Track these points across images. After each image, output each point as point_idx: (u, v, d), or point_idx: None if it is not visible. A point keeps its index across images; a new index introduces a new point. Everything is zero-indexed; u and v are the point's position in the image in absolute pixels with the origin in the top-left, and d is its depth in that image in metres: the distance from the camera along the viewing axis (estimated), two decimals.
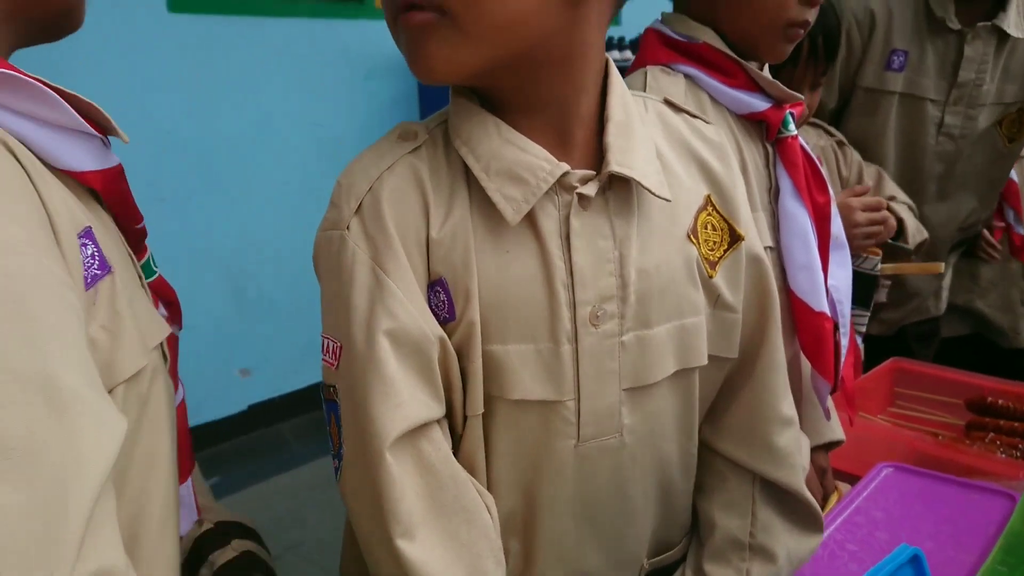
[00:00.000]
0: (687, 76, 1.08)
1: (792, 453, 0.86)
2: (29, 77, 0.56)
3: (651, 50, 1.11)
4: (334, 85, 3.49)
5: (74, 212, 0.58)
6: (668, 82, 1.06)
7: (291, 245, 3.38)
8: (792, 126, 1.10)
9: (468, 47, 0.66)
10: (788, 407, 0.87)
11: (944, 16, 1.60)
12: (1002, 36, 1.60)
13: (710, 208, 0.81)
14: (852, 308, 1.28)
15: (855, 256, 1.35)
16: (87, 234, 0.58)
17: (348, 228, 0.71)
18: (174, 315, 0.79)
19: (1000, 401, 1.45)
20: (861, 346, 1.50)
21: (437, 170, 0.74)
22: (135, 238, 0.71)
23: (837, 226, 1.16)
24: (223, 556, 0.80)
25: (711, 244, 0.81)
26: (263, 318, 3.37)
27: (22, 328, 0.46)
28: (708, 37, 1.08)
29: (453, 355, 0.72)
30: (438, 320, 0.72)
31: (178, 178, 3.09)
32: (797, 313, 1.10)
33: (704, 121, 0.87)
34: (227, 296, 3.31)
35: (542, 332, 0.72)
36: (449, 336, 0.72)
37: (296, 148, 3.43)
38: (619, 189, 0.75)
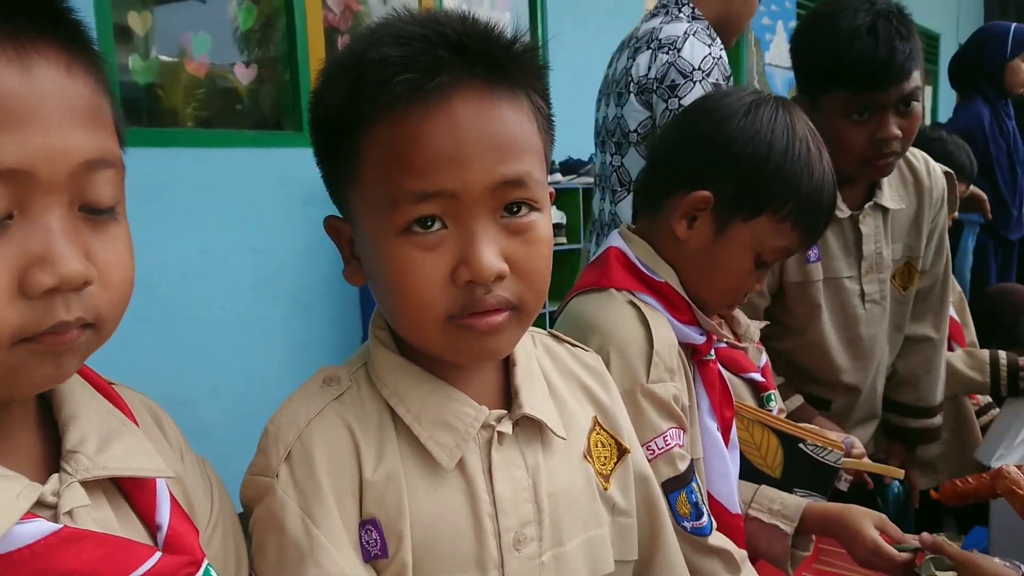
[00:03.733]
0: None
1: None
2: None
3: (617, 273, 1.19)
4: (273, 212, 3.53)
5: None
6: (661, 321, 1.16)
7: (229, 372, 3.35)
8: (712, 352, 1.25)
9: (521, 333, 0.80)
10: None
11: (837, 208, 1.72)
12: (884, 210, 1.80)
13: (598, 428, 0.91)
14: (812, 495, 1.43)
15: (820, 448, 1.43)
16: None
17: (277, 476, 0.75)
18: None
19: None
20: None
21: (363, 415, 0.79)
22: None
23: (735, 431, 1.29)
24: None
25: (603, 460, 0.90)
26: (197, 449, 3.28)
27: None
28: (670, 279, 1.19)
29: None
30: (370, 557, 0.76)
31: None
32: (716, 514, 1.20)
33: (583, 349, 0.98)
34: None
35: (470, 563, 0.77)
36: (380, 573, 0.76)
37: (236, 275, 3.43)
38: (525, 424, 0.83)
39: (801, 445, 1.44)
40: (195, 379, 3.31)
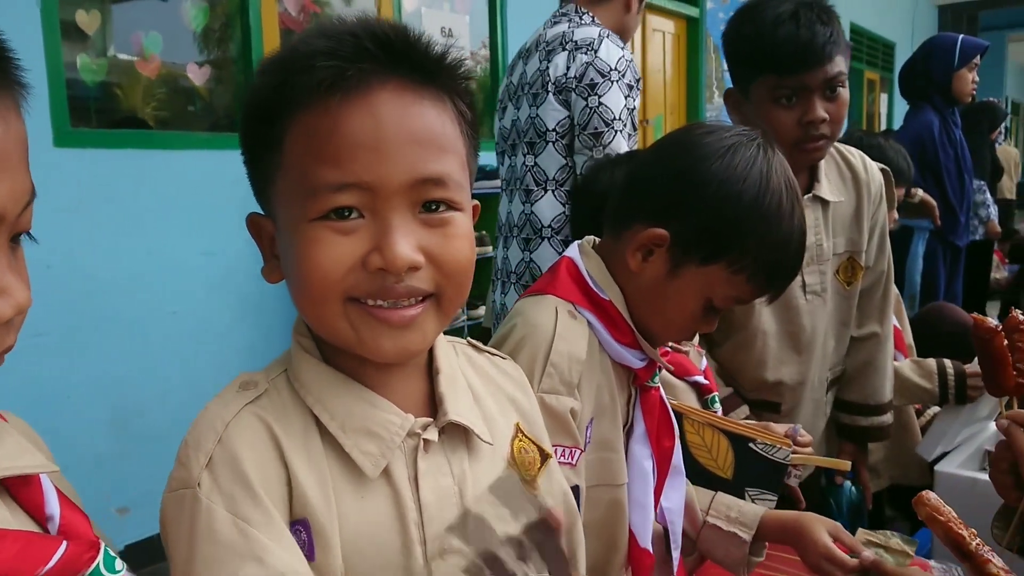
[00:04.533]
0: (587, 320, 1.17)
1: None
2: None
3: (563, 283, 1.19)
4: (226, 215, 3.48)
5: None
6: (576, 333, 1.15)
7: (179, 378, 3.30)
8: (657, 379, 1.24)
9: (441, 324, 0.80)
10: None
11: None
12: (823, 202, 1.84)
13: (520, 435, 0.91)
14: (763, 493, 1.46)
15: (769, 446, 1.46)
16: None
17: (199, 485, 0.72)
18: None
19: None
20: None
21: (284, 418, 0.77)
22: None
23: (677, 458, 1.28)
24: None
25: (527, 464, 0.90)
26: (145, 454, 3.24)
27: None
28: (616, 299, 1.18)
29: None
30: None
31: (60, 313, 2.97)
32: (630, 543, 1.21)
33: (502, 358, 0.99)
34: (109, 432, 3.17)
35: (398, 571, 0.76)
36: None
37: (188, 279, 3.38)
38: (451, 431, 0.82)
39: (751, 444, 1.46)
40: (144, 386, 3.26)
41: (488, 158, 4.50)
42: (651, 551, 1.22)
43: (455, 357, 0.90)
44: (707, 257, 1.12)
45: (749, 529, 1.33)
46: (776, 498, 1.53)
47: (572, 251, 1.23)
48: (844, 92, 1.70)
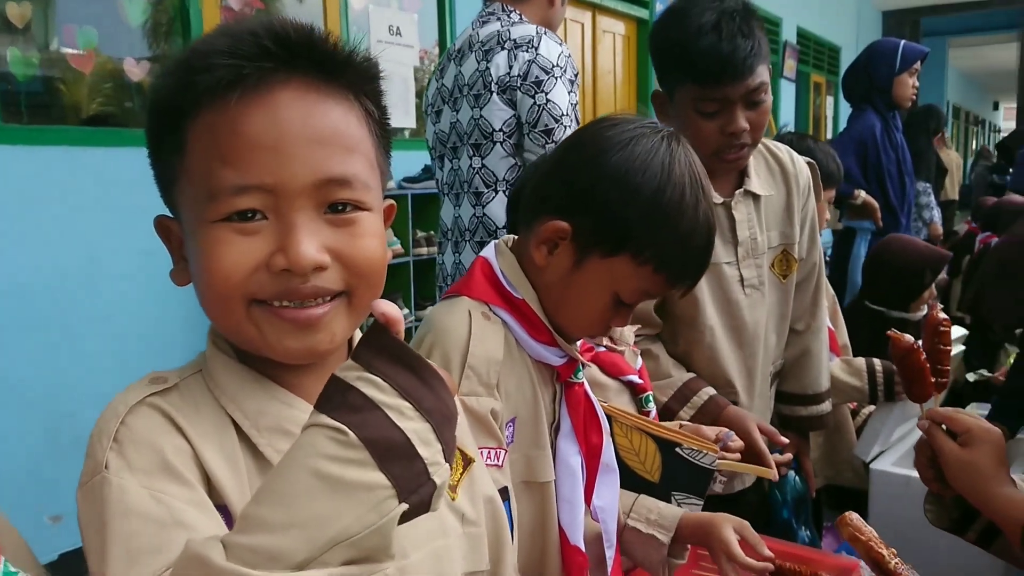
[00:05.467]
0: (503, 320, 1.16)
1: None
2: None
3: (477, 284, 1.18)
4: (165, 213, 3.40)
5: None
6: (491, 333, 1.13)
7: (115, 382, 3.18)
8: (581, 375, 1.23)
9: (353, 321, 0.77)
10: None
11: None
12: (755, 196, 1.85)
13: None
14: (689, 497, 1.46)
15: (695, 451, 1.46)
16: None
17: (107, 467, 0.69)
18: None
19: (789, 565, 1.47)
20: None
21: (193, 415, 0.75)
22: None
23: (608, 455, 1.27)
24: None
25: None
26: (79, 461, 3.14)
27: None
28: (529, 298, 1.17)
29: None
30: None
31: None
32: (561, 541, 1.20)
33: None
34: (40, 439, 3.07)
35: None
36: None
37: (123, 280, 3.28)
38: None
39: (678, 449, 1.46)
40: (78, 391, 3.16)
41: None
42: (583, 549, 1.20)
43: None
44: (610, 250, 1.11)
45: (667, 531, 1.32)
46: (702, 503, 1.54)
47: (488, 251, 1.22)
48: (767, 99, 1.71)
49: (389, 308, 0.60)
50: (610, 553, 1.27)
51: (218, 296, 0.73)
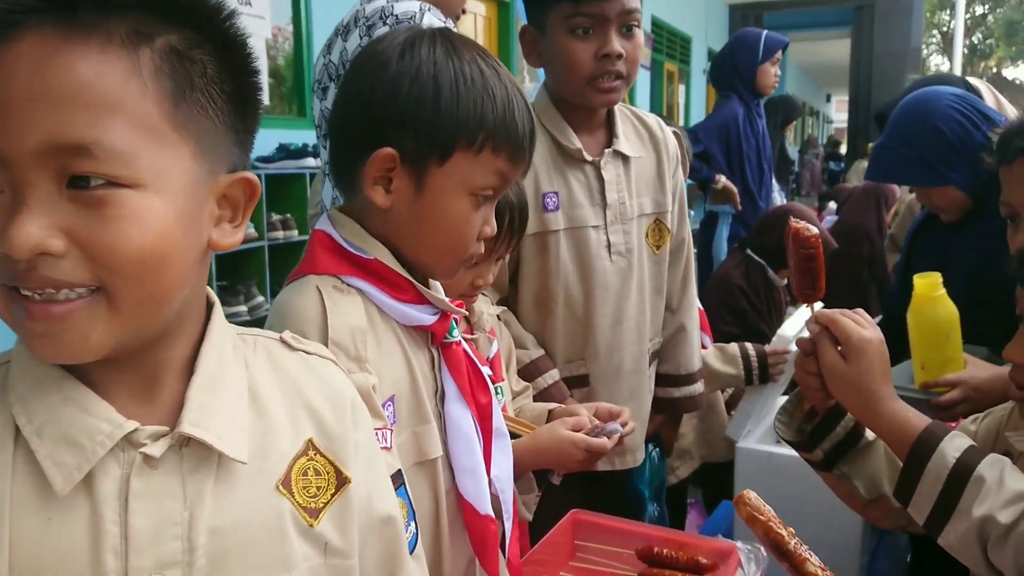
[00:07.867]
0: (359, 290, 1.06)
1: None
2: None
3: (320, 258, 1.08)
4: None
5: None
6: (347, 303, 1.03)
7: None
8: (456, 332, 1.14)
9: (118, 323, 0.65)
10: None
11: (573, 147, 1.76)
12: (624, 158, 1.82)
13: (311, 453, 0.79)
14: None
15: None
16: None
17: None
18: None
19: (667, 551, 1.48)
20: (529, 517, 1.58)
21: None
22: None
23: (498, 419, 1.20)
24: None
25: (312, 491, 0.78)
26: None
27: None
28: (380, 254, 1.07)
29: None
30: None
31: None
32: (465, 515, 1.12)
33: (321, 358, 0.87)
34: None
35: None
36: None
37: None
38: (197, 446, 0.70)
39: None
40: None
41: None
42: (493, 516, 1.12)
43: (248, 353, 0.79)
44: (443, 152, 1.04)
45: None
46: (539, 493, 1.55)
47: (322, 223, 1.12)
48: (639, 33, 1.72)
49: None
50: (508, 525, 1.20)
51: None
